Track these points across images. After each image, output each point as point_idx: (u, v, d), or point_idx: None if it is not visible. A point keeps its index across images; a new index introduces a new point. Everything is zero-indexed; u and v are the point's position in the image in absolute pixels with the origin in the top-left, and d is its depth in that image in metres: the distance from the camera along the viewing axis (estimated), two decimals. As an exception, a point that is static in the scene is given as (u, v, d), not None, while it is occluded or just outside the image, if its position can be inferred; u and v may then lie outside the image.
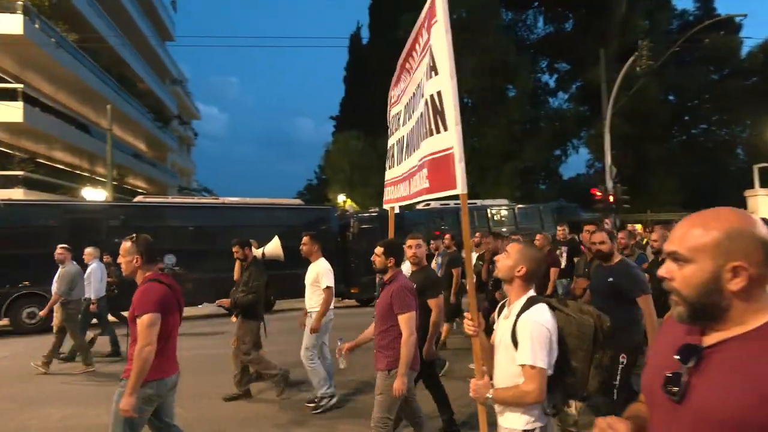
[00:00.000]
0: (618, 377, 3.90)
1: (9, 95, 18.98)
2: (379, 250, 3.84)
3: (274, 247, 6.77)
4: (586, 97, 27.14)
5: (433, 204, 18.10)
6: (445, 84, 2.62)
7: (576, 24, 29.29)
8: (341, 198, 26.26)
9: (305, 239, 5.68)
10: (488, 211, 18.26)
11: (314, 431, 4.95)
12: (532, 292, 2.38)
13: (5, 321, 11.38)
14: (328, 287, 5.46)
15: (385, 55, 28.64)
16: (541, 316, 2.25)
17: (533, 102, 28.13)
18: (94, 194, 19.86)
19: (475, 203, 18.74)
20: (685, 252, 1.16)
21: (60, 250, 7.56)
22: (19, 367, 7.74)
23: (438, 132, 2.71)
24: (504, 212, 18.80)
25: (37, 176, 21.23)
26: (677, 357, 1.17)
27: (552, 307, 2.34)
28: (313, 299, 5.57)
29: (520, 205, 19.86)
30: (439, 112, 2.73)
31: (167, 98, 39.07)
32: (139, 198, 15.13)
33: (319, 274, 5.54)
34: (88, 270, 8.07)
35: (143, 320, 3.11)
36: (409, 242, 4.48)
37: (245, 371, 5.94)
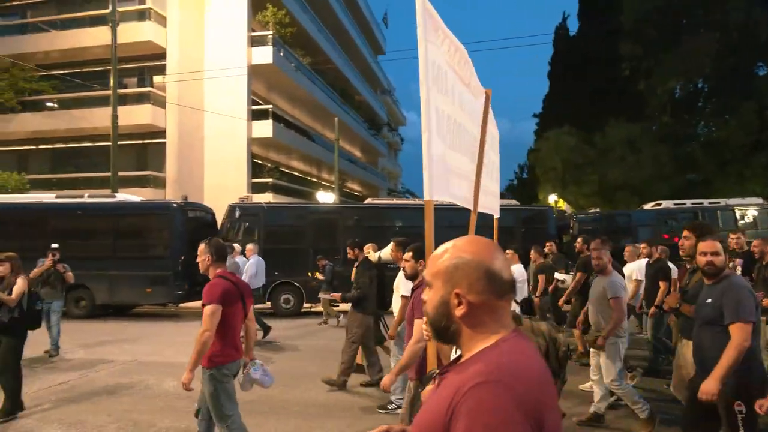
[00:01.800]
0: None
1: (262, 115, 22.56)
2: (407, 255, 3.90)
3: (389, 251, 7.07)
4: None
5: (665, 204, 16.26)
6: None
7: None
8: (552, 198, 25.20)
9: (392, 246, 5.77)
10: (735, 211, 15.69)
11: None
12: None
13: (268, 304, 13.54)
14: (403, 296, 5.57)
15: (597, 44, 26.73)
16: None
17: (794, 80, 23.23)
18: (326, 197, 22.46)
19: (718, 203, 16.28)
20: (428, 277, 1.23)
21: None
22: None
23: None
24: (754, 213, 15.93)
25: (282, 182, 24.85)
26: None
27: None
28: (396, 305, 5.86)
29: (777, 205, 16.63)
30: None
31: (379, 107, 42.29)
32: (368, 200, 16.63)
33: (398, 282, 5.73)
34: (247, 264, 9.56)
35: (206, 310, 3.57)
36: None
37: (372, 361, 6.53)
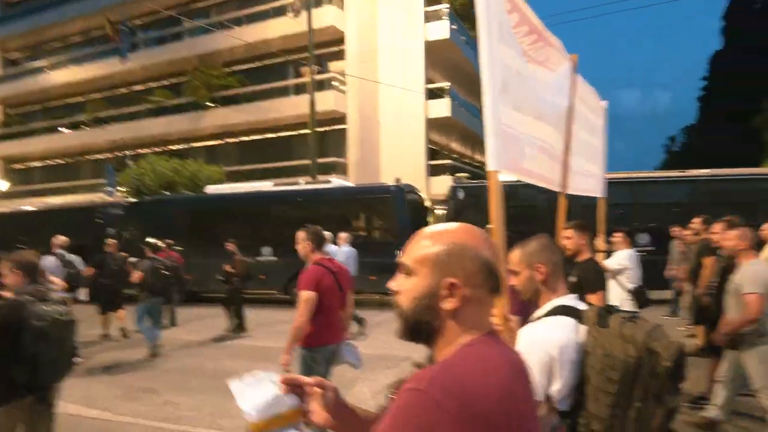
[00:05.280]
0: None
1: (436, 94, 21.58)
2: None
3: None
4: None
5: None
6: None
7: None
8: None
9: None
10: None
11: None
12: (561, 299, 1.90)
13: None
14: None
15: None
16: (544, 331, 1.78)
17: None
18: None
19: None
20: (410, 263, 1.06)
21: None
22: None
23: None
24: None
25: (458, 164, 23.90)
26: None
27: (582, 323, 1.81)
28: None
29: None
30: None
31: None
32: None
33: None
34: (339, 254, 9.02)
35: (300, 296, 3.73)
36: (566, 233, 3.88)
37: None
